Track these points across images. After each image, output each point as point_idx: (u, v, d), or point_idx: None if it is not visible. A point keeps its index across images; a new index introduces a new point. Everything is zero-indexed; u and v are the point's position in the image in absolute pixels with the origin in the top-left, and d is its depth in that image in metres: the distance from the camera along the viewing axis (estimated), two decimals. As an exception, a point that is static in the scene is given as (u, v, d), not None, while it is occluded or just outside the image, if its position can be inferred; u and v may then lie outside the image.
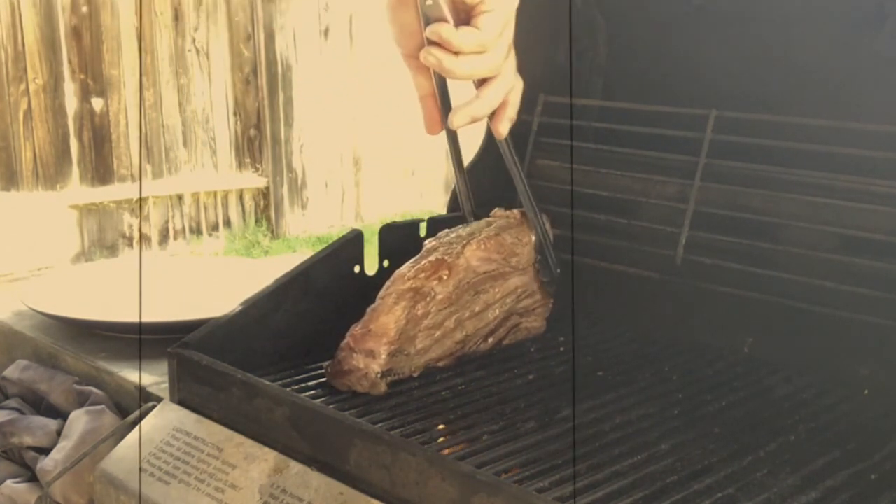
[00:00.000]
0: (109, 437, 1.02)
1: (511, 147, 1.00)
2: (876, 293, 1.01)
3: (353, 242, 1.15)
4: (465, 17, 0.85)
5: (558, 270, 1.13)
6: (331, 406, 0.95)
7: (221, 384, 0.96)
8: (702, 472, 0.85)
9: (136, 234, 4.67)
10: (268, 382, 0.95)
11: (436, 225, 1.20)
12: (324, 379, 1.04)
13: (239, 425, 0.94)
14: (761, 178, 1.14)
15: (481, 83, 0.90)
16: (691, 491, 0.82)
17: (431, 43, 0.85)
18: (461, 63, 0.85)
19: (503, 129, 0.95)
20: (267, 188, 5.14)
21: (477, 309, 1.06)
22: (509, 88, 0.91)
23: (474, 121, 0.91)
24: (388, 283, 1.02)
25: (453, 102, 0.92)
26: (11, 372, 1.22)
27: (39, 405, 1.18)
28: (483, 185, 1.23)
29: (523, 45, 1.32)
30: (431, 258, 1.03)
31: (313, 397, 0.98)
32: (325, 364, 1.03)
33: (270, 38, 5.05)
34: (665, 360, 1.13)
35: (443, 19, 0.83)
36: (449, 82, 0.92)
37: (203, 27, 4.84)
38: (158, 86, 4.68)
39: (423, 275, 1.01)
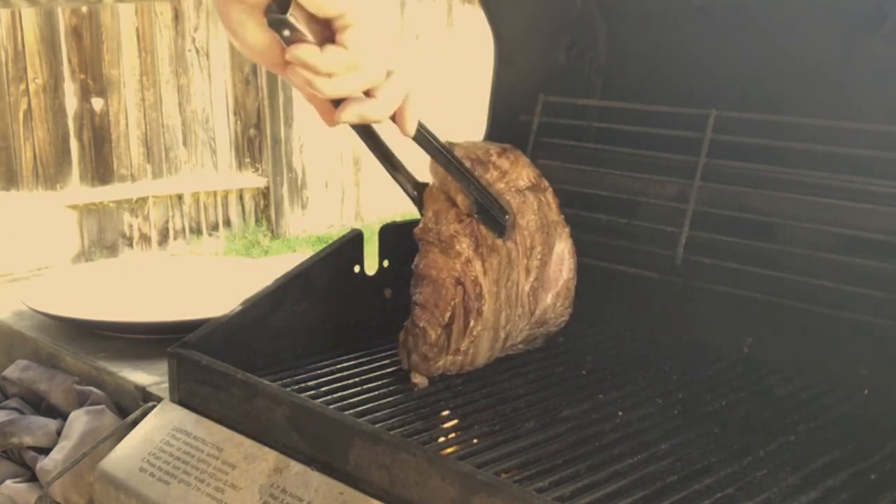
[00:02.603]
0: (109, 436, 1.02)
1: (426, 131, 0.89)
2: (876, 293, 1.01)
3: (353, 242, 1.15)
4: (326, 32, 0.73)
5: (507, 217, 1.02)
6: (331, 406, 0.95)
7: (221, 384, 0.96)
8: (702, 472, 0.85)
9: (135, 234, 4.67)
10: (268, 382, 0.95)
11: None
12: (325, 378, 1.04)
13: (239, 425, 0.94)
14: (761, 178, 1.14)
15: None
16: (691, 491, 0.82)
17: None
18: (334, 83, 0.75)
19: (410, 128, 0.84)
20: (267, 188, 5.14)
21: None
22: (406, 89, 0.81)
23: (365, 121, 0.81)
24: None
25: None
26: (11, 372, 1.22)
27: (39, 405, 1.18)
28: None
29: (523, 45, 1.32)
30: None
31: (313, 397, 0.98)
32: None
33: (270, 38, 5.04)
34: (665, 360, 1.13)
35: (299, 36, 0.72)
36: None
37: (203, 27, 4.83)
38: (158, 86, 4.68)
39: None
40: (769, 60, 1.18)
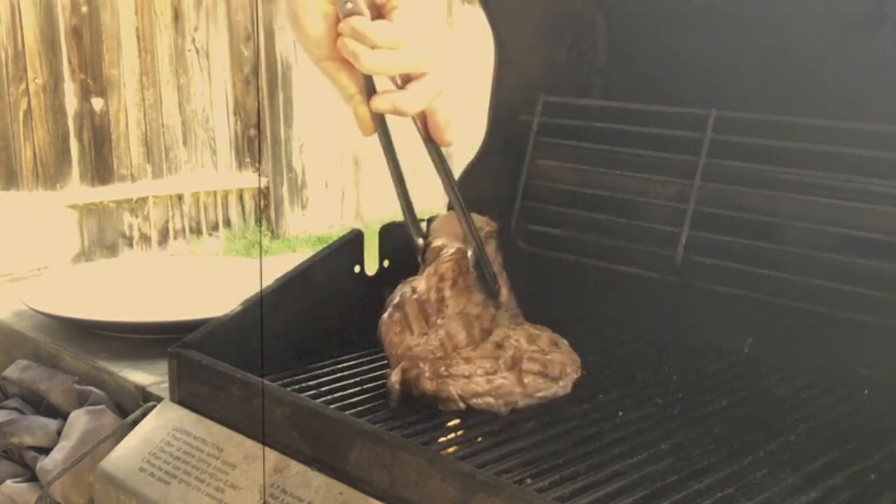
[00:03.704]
0: (109, 436, 1.02)
1: (441, 154, 0.95)
2: (876, 293, 1.01)
3: (353, 242, 1.15)
4: (378, 15, 0.84)
5: (498, 286, 1.04)
6: (331, 406, 0.95)
7: (221, 384, 0.96)
8: (702, 472, 0.85)
9: (135, 234, 4.67)
10: (268, 382, 0.95)
11: (436, 225, 1.20)
12: (325, 378, 1.04)
13: (239, 425, 0.94)
14: (761, 178, 1.14)
15: (405, 81, 0.87)
16: (691, 491, 0.82)
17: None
18: (378, 57, 0.83)
19: (448, 134, 0.91)
20: (267, 188, 5.14)
21: None
22: (438, 89, 0.88)
23: (397, 112, 0.87)
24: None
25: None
26: (11, 372, 1.22)
27: (39, 405, 1.18)
28: (483, 190, 1.23)
29: (523, 45, 1.32)
30: None
31: (313, 397, 0.98)
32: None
33: (270, 38, 5.05)
34: (665, 360, 1.13)
35: (356, 10, 0.83)
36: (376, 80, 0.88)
37: (203, 27, 4.83)
38: (158, 86, 4.68)
39: None
40: (769, 60, 1.18)
